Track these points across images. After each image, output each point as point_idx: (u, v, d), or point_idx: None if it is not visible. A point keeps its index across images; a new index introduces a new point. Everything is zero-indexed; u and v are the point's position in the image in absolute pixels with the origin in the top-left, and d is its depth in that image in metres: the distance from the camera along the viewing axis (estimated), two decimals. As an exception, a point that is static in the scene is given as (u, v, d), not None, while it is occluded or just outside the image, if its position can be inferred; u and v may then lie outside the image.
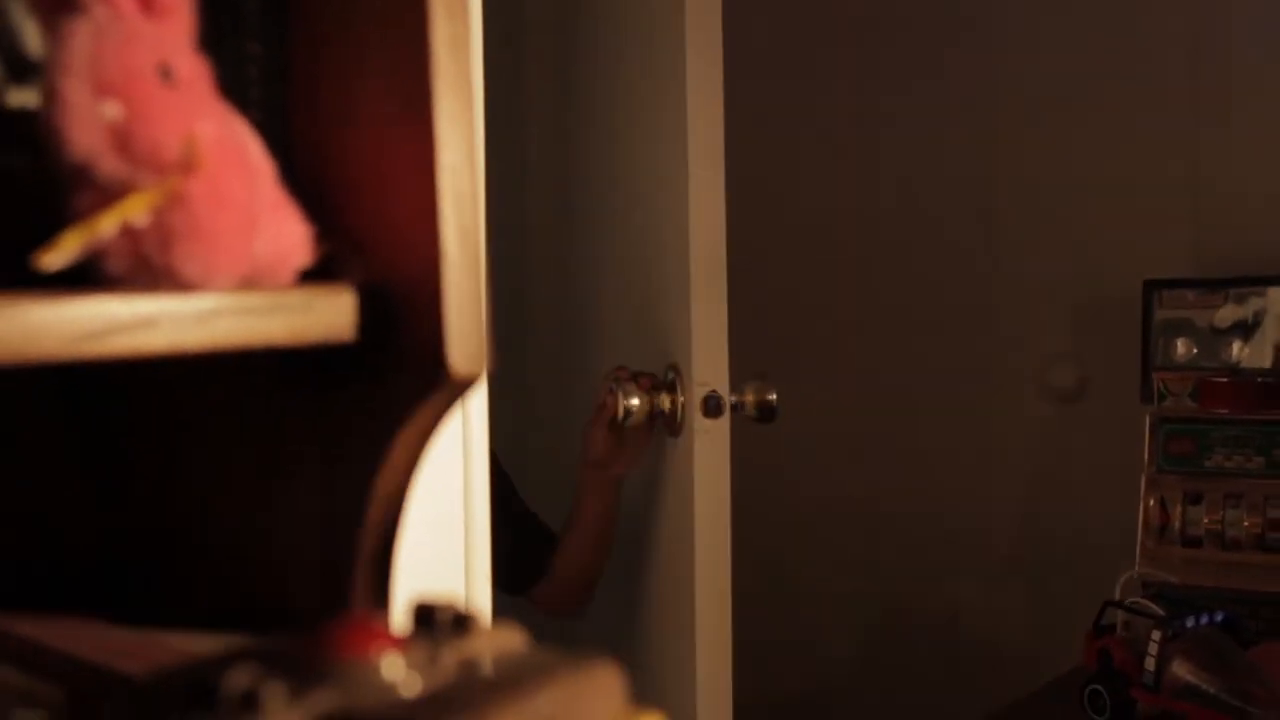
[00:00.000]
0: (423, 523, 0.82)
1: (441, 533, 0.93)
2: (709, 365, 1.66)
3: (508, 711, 0.42)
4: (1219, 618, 1.52)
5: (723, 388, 1.67)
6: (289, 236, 0.59)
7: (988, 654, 2.23)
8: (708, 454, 1.66)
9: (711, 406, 1.65)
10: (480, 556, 0.93)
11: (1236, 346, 1.82)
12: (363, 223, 0.63)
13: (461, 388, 0.62)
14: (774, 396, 1.71)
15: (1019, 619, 2.22)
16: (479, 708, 0.41)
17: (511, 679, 0.44)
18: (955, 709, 1.87)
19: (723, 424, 1.67)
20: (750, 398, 1.70)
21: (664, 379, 1.70)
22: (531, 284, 2.29)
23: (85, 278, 0.52)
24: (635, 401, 1.66)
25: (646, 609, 1.80)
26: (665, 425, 1.70)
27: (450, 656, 0.45)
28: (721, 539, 1.68)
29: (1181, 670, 1.48)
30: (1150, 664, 1.49)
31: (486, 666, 0.45)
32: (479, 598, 0.92)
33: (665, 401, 1.68)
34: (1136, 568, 1.74)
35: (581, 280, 2.11)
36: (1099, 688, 1.53)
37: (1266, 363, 1.80)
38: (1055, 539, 2.18)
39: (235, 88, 0.59)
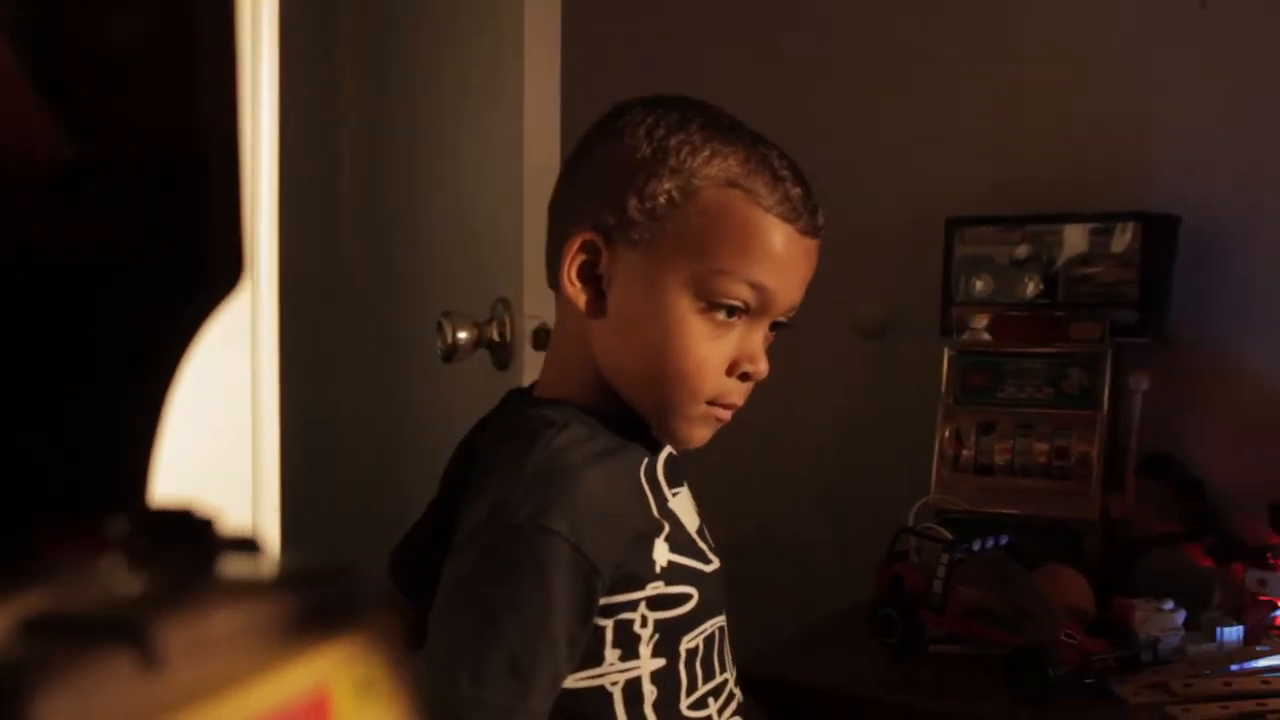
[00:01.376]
0: (206, 436, 0.80)
1: (226, 447, 0.91)
2: (541, 297, 1.59)
3: (231, 612, 0.41)
4: (1004, 541, 1.58)
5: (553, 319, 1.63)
6: (34, 137, 0.56)
7: (799, 585, 2.27)
8: None
9: (543, 339, 1.60)
10: (269, 475, 0.91)
11: (1031, 282, 1.88)
12: (116, 126, 0.60)
13: (223, 291, 0.60)
14: None
15: (828, 550, 2.27)
16: (200, 608, 0.40)
17: (242, 584, 0.43)
18: (763, 643, 1.90)
19: None
20: None
21: (492, 313, 1.66)
22: (345, 244, 2.25)
23: None
24: (464, 335, 1.62)
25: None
26: (494, 359, 1.67)
27: (180, 560, 0.44)
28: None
29: (967, 592, 1.54)
30: (938, 586, 1.54)
31: (218, 571, 0.44)
32: (266, 510, 0.90)
33: (494, 333, 1.64)
34: (930, 495, 1.79)
35: (401, 231, 2.07)
36: (890, 611, 1.57)
37: (1059, 297, 1.87)
38: (862, 472, 2.23)
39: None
